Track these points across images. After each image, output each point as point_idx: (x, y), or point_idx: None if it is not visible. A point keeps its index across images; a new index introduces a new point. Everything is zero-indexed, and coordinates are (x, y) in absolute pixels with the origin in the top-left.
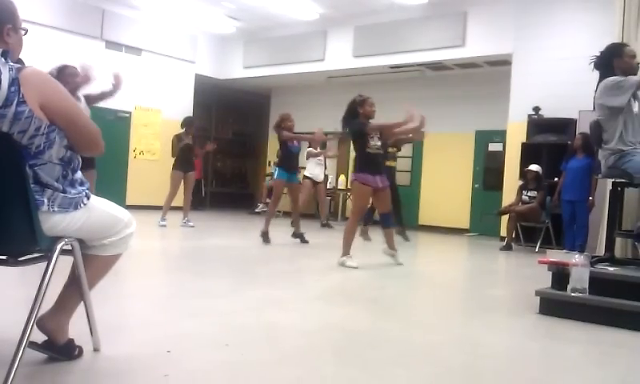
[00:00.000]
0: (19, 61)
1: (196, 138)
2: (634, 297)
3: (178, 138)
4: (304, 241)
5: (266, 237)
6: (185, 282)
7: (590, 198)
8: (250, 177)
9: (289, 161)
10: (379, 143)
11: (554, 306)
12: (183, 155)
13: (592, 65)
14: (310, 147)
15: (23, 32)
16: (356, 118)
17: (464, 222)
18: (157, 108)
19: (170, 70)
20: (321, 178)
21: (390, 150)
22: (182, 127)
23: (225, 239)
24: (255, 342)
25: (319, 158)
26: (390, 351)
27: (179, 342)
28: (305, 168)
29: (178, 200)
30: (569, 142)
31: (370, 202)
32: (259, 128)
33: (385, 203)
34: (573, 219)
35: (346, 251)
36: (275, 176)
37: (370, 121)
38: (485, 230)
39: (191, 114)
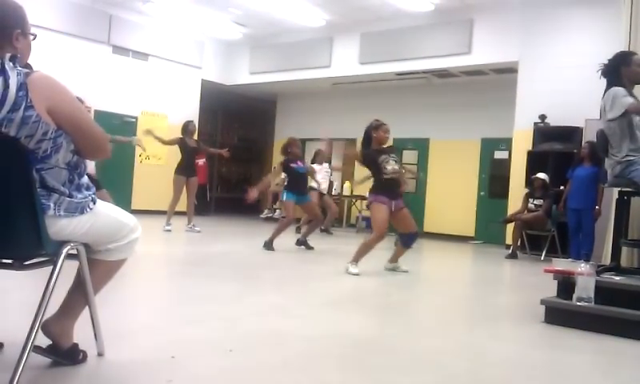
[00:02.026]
0: (27, 65)
1: (200, 142)
2: (639, 306)
3: (181, 140)
4: (309, 247)
5: (269, 245)
6: (189, 287)
7: (597, 207)
8: (256, 182)
9: (296, 182)
10: (397, 166)
11: (560, 314)
12: (186, 160)
13: (599, 73)
14: (313, 163)
15: (32, 37)
16: (369, 141)
17: (469, 229)
18: (163, 113)
19: (177, 75)
20: (325, 187)
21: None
22: (182, 134)
23: (229, 245)
24: (259, 348)
25: (326, 170)
26: (394, 358)
27: (183, 348)
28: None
29: (182, 205)
30: (575, 151)
31: None
32: (265, 134)
33: (405, 223)
34: (578, 228)
35: (356, 259)
36: (284, 198)
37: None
38: (490, 238)
39: (197, 119)
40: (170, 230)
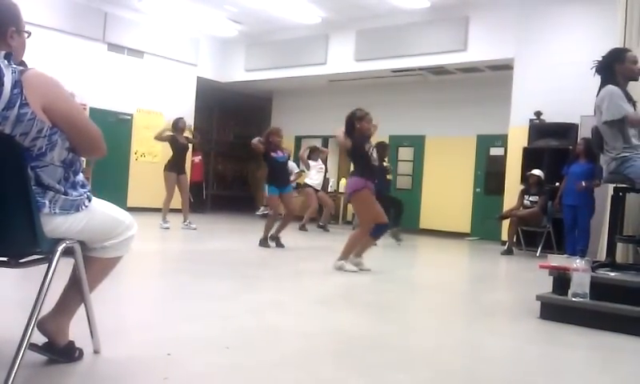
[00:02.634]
0: (22, 63)
1: (190, 138)
2: (634, 302)
3: (172, 138)
4: (279, 245)
5: (264, 243)
6: (185, 284)
7: (583, 183)
8: (251, 180)
9: (276, 173)
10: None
11: (555, 310)
12: (177, 157)
13: (593, 69)
14: (308, 159)
15: (26, 35)
16: (351, 131)
17: (465, 226)
18: (158, 111)
19: (172, 72)
20: (319, 183)
21: (386, 164)
22: (172, 130)
23: (226, 242)
24: (255, 345)
25: (320, 165)
26: (390, 355)
27: (179, 345)
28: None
29: (177, 203)
30: (570, 147)
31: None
32: (261, 131)
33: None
34: (574, 224)
35: (345, 256)
36: (267, 193)
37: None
38: (486, 235)
39: (193, 117)
40: (168, 228)
